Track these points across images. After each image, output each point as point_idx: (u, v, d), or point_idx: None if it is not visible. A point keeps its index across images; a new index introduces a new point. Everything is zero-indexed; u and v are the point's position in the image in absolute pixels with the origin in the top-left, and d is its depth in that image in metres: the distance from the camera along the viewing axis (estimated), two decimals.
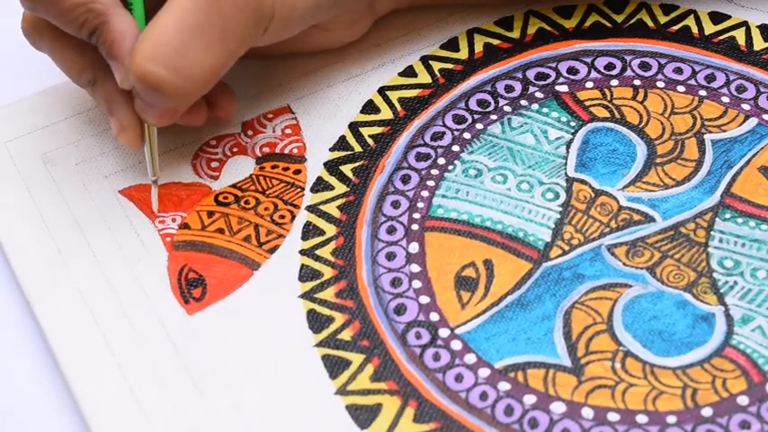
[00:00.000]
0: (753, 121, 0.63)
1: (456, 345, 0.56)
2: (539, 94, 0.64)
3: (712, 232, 0.59)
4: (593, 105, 0.64)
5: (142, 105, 0.58)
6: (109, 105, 0.59)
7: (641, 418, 0.54)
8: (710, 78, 0.65)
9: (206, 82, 0.57)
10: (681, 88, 0.64)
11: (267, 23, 0.59)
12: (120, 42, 0.57)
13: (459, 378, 0.55)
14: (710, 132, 0.63)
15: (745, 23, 0.67)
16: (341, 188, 0.61)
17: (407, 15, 0.67)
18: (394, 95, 0.64)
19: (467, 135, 0.63)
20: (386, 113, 0.64)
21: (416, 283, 0.58)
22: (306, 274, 0.58)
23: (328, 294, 0.58)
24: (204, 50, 0.57)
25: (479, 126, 0.63)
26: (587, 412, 0.54)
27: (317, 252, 0.59)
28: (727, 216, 0.59)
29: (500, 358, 0.56)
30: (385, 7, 0.66)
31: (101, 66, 0.59)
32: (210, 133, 0.63)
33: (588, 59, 0.65)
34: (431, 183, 0.61)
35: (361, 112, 0.64)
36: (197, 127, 0.63)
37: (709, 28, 0.66)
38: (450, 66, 0.66)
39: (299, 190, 0.61)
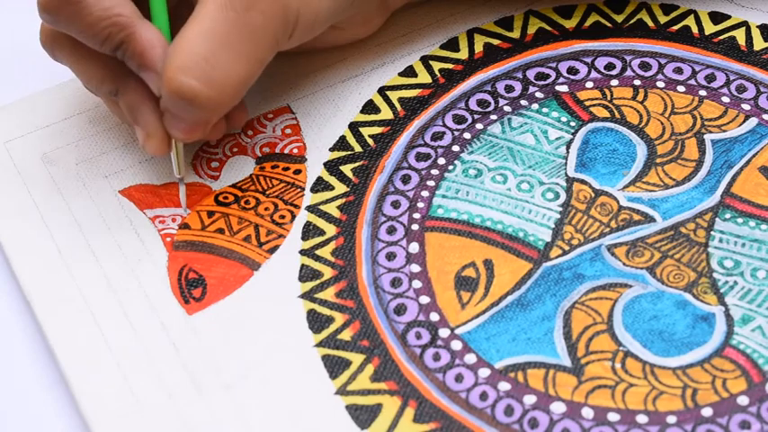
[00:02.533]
0: (753, 121, 0.63)
1: (456, 345, 0.56)
2: (539, 94, 0.64)
3: (712, 232, 0.59)
4: (594, 105, 0.64)
5: (171, 120, 0.58)
6: (133, 115, 0.59)
7: (641, 418, 0.54)
8: (710, 78, 0.65)
9: (238, 92, 0.57)
10: (681, 88, 0.64)
11: (292, 30, 0.59)
12: (150, 53, 0.57)
13: (459, 378, 0.55)
14: (710, 132, 0.63)
15: (745, 23, 0.67)
16: (341, 188, 0.61)
17: (407, 15, 0.67)
18: (394, 95, 0.64)
19: (467, 135, 0.63)
20: (386, 113, 0.64)
21: (416, 283, 0.58)
22: (306, 274, 0.58)
23: (328, 294, 0.58)
24: (234, 60, 0.56)
25: (479, 126, 0.63)
26: (587, 412, 0.54)
27: (317, 252, 0.59)
28: (728, 216, 0.59)
29: (500, 358, 0.56)
30: (397, 2, 0.66)
31: (122, 76, 0.59)
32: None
33: (588, 59, 0.65)
34: (431, 183, 0.61)
35: (362, 112, 0.64)
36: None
37: (710, 28, 0.66)
38: (450, 66, 0.66)
39: (299, 190, 0.61)
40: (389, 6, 0.65)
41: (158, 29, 0.58)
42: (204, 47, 0.56)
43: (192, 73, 0.56)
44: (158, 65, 0.57)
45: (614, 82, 0.65)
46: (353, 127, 0.63)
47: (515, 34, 0.67)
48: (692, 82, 0.64)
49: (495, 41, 0.66)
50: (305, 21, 0.59)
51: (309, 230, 0.60)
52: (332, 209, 0.60)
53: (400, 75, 0.65)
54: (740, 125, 0.63)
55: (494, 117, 0.64)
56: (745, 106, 0.63)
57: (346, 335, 0.56)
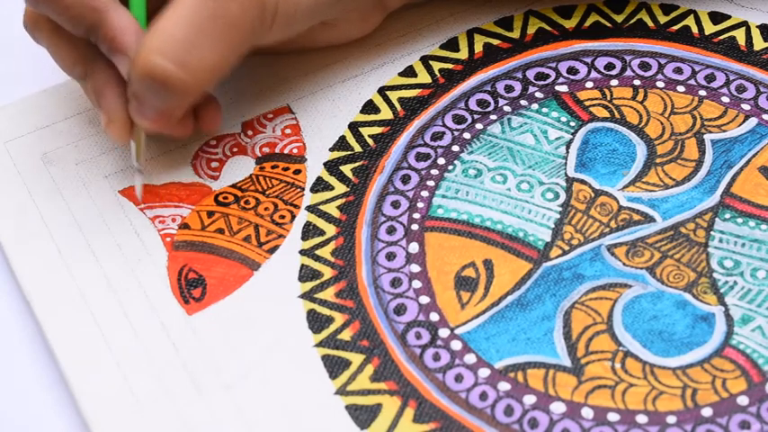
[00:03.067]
0: (753, 121, 0.63)
1: (456, 345, 0.56)
2: (538, 94, 0.64)
3: (712, 232, 0.59)
4: (593, 105, 0.64)
5: (138, 107, 0.58)
6: (98, 98, 0.60)
7: (641, 419, 0.54)
8: (710, 78, 0.65)
9: (211, 78, 0.58)
10: (681, 88, 0.64)
11: (271, 20, 0.59)
12: (122, 37, 0.58)
13: (459, 378, 0.55)
14: (710, 132, 0.63)
15: (745, 23, 0.67)
16: (341, 188, 0.61)
17: (407, 15, 0.67)
18: (394, 95, 0.64)
19: (467, 135, 0.63)
20: (386, 113, 0.64)
21: (416, 284, 0.58)
22: (306, 274, 0.58)
23: (328, 294, 0.58)
24: (210, 47, 0.57)
25: (479, 126, 0.63)
26: (587, 412, 0.54)
27: (317, 252, 0.59)
28: (727, 216, 0.59)
29: (500, 358, 0.56)
30: (395, 2, 0.66)
31: (92, 59, 0.60)
32: (210, 133, 0.63)
33: (588, 59, 0.65)
34: (431, 183, 0.61)
35: (361, 112, 0.64)
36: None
37: (709, 28, 0.66)
38: (450, 66, 0.66)
39: (298, 190, 0.61)
40: (387, 6, 0.65)
41: (134, 15, 0.59)
42: (181, 32, 0.57)
43: (166, 55, 0.56)
44: (130, 49, 0.58)
45: (614, 82, 0.65)
46: (353, 127, 0.63)
47: (515, 34, 0.67)
48: (692, 82, 0.64)
49: (495, 41, 0.66)
50: (284, 13, 0.60)
51: (309, 230, 0.60)
52: (332, 209, 0.61)
53: (400, 75, 0.65)
54: (740, 125, 0.63)
55: (493, 117, 0.64)
56: (745, 106, 0.63)
57: (346, 335, 0.56)
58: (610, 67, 0.65)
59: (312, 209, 0.61)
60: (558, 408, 0.54)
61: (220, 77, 0.59)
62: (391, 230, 0.60)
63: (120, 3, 0.60)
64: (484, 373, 0.55)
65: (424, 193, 0.61)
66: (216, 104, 0.62)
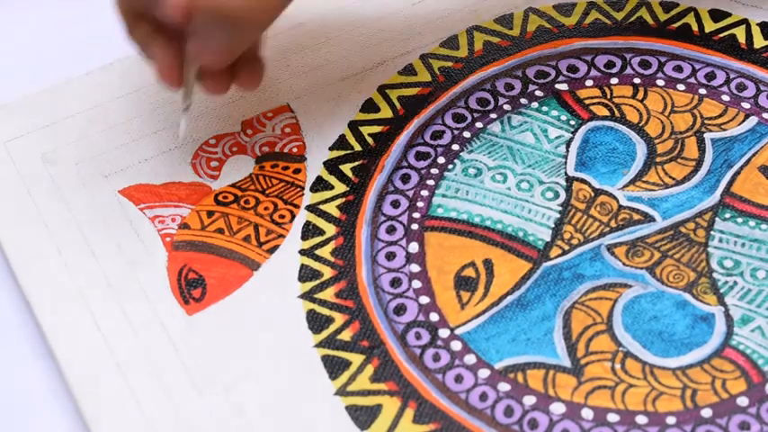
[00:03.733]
0: (753, 120, 0.63)
1: (456, 345, 0.56)
2: (538, 93, 0.64)
3: (712, 232, 0.59)
4: (593, 104, 0.64)
5: (200, 45, 0.57)
6: (146, 48, 0.58)
7: (641, 419, 0.54)
8: (710, 77, 0.64)
9: (274, 12, 0.57)
10: (681, 86, 0.64)
11: None
12: None
13: (458, 379, 0.55)
14: (710, 131, 0.62)
15: (745, 21, 0.66)
16: (340, 187, 0.61)
17: (407, 15, 0.67)
18: (393, 94, 0.64)
19: (466, 134, 0.63)
20: (385, 112, 0.64)
21: (416, 283, 0.58)
22: (305, 274, 0.58)
23: (328, 294, 0.58)
24: None
25: (479, 125, 0.63)
26: (587, 413, 0.54)
27: (317, 252, 0.59)
28: (727, 216, 0.59)
29: (500, 359, 0.56)
30: None
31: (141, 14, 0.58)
32: (210, 132, 0.63)
33: (588, 57, 0.65)
34: (430, 182, 0.61)
35: (361, 110, 0.64)
36: (198, 124, 0.63)
37: (710, 26, 0.66)
38: (449, 64, 0.65)
39: (298, 189, 0.61)
40: None
41: None
42: None
43: None
44: None
45: (614, 80, 0.65)
46: (353, 126, 0.63)
47: (515, 32, 0.67)
48: (692, 80, 0.64)
49: (495, 39, 0.66)
50: None
51: (309, 230, 0.60)
52: (331, 208, 0.60)
53: (400, 73, 0.65)
54: (740, 124, 0.63)
55: (493, 116, 0.64)
56: (745, 105, 0.63)
57: (346, 335, 0.56)
58: (610, 65, 0.65)
59: (312, 208, 0.61)
60: (557, 408, 0.54)
61: (282, 10, 0.57)
62: (391, 230, 0.60)
63: None
64: (484, 373, 0.55)
65: (424, 193, 0.61)
66: (259, 62, 0.61)
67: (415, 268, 0.58)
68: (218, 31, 0.56)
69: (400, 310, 0.57)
